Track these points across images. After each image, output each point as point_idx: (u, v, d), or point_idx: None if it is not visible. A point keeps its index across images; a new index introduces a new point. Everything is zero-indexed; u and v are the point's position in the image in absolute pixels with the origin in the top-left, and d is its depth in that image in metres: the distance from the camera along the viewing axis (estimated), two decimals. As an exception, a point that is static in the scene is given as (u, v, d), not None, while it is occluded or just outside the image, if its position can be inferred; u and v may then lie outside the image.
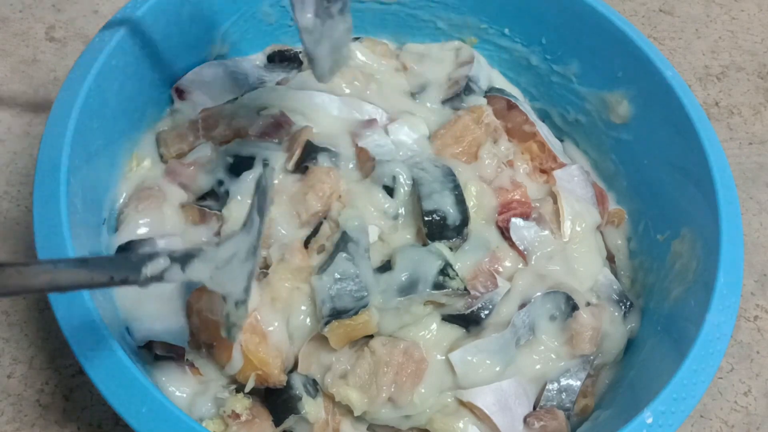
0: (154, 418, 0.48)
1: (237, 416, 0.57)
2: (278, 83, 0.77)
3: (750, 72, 0.97)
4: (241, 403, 0.58)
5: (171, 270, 0.45)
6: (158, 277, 0.44)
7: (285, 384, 0.59)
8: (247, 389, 0.58)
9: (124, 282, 0.43)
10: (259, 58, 0.80)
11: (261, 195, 0.51)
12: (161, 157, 0.71)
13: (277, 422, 0.59)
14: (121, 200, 0.67)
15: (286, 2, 0.77)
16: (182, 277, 0.46)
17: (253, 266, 0.49)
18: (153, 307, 0.60)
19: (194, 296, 0.60)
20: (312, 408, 0.59)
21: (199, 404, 0.58)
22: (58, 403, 0.65)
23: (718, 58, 0.98)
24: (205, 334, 0.59)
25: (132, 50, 0.66)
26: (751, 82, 0.96)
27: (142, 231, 0.64)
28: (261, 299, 0.59)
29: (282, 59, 0.79)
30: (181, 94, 0.73)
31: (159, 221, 0.65)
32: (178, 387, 0.59)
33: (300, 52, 0.80)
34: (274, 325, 0.59)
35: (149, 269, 0.44)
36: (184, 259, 0.46)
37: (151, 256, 0.44)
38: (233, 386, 0.60)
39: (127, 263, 0.44)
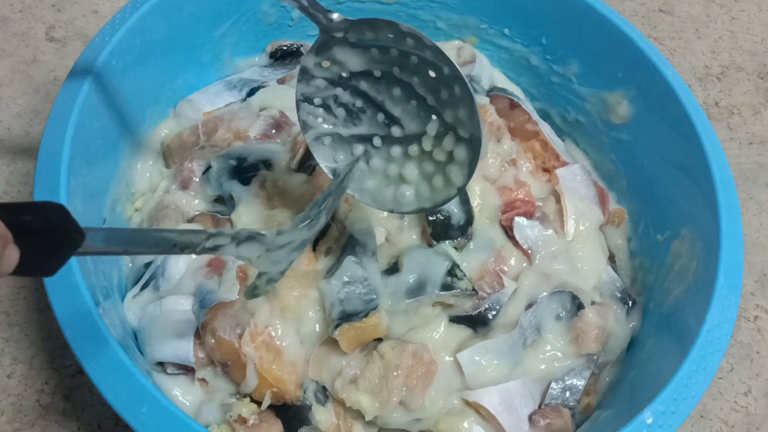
0: (154, 418, 0.48)
1: (244, 421, 0.56)
2: (280, 81, 0.77)
3: (750, 72, 0.97)
4: (248, 408, 0.57)
5: (227, 246, 0.46)
6: (213, 249, 0.46)
7: (302, 400, 0.59)
8: (264, 407, 0.58)
9: (183, 251, 0.44)
10: (259, 58, 0.80)
11: (336, 197, 0.53)
12: (167, 167, 0.71)
13: None
14: (141, 222, 0.68)
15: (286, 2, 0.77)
16: (235, 253, 0.47)
17: (299, 255, 0.53)
18: (162, 327, 0.60)
19: (209, 316, 0.59)
20: (323, 416, 0.59)
21: (206, 411, 0.58)
22: (58, 403, 0.65)
23: (718, 58, 0.98)
24: (219, 353, 0.58)
25: (132, 50, 0.66)
26: (751, 82, 0.96)
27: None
28: (271, 311, 0.59)
29: (284, 55, 0.79)
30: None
31: None
32: (184, 393, 0.59)
33: (302, 46, 0.80)
34: (287, 340, 0.59)
35: (209, 242, 0.45)
36: (243, 240, 0.47)
37: (215, 235, 0.45)
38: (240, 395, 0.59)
39: (193, 236, 0.45)
